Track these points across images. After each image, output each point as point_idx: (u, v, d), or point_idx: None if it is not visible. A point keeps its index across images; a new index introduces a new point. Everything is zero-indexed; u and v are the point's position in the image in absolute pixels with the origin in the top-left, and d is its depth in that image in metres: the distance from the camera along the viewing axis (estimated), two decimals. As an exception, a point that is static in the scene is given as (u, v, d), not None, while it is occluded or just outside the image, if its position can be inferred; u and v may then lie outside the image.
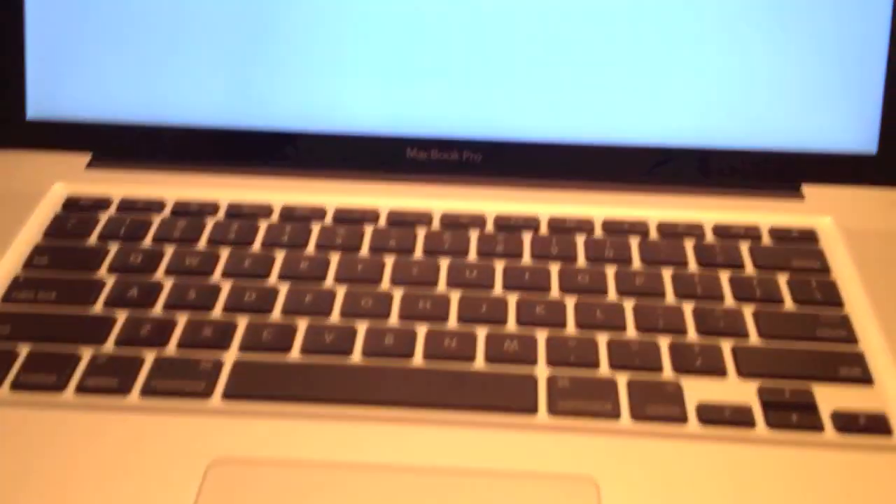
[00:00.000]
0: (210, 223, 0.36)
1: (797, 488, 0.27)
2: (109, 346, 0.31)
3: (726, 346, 0.32)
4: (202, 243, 0.36)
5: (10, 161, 0.39)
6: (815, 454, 0.28)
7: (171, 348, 0.31)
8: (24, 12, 0.39)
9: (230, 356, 0.31)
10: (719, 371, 0.31)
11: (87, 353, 0.31)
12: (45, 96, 0.40)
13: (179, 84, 0.40)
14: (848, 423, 0.29)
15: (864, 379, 0.31)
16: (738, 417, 0.29)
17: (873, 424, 0.29)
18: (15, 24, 0.40)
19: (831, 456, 0.28)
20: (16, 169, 0.39)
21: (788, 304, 0.33)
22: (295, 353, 0.31)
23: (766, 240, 0.36)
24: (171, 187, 0.38)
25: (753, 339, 0.32)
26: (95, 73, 0.40)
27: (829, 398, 0.30)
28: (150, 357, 0.31)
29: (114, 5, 0.39)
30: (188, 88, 0.40)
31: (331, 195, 0.38)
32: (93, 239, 0.36)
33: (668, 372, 0.31)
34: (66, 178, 0.38)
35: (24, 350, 0.31)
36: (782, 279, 0.34)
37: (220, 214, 0.37)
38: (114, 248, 0.35)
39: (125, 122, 0.40)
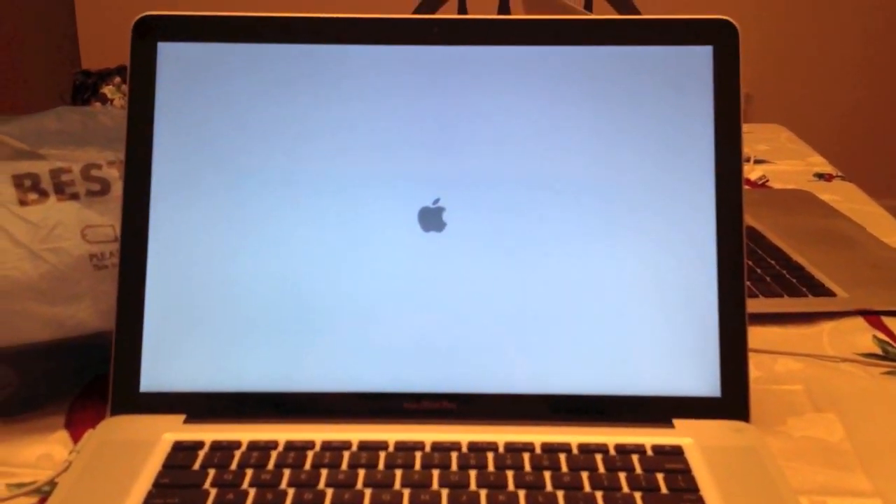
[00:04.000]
0: (274, 454, 0.53)
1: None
2: (221, 529, 0.47)
3: (624, 516, 0.49)
4: (270, 466, 0.52)
5: (129, 421, 0.57)
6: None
7: (262, 529, 0.47)
8: (144, 321, 0.59)
9: (301, 532, 0.47)
10: (620, 531, 0.48)
11: (207, 534, 0.47)
12: (152, 375, 0.58)
13: (243, 365, 0.58)
14: (700, 555, 0.46)
15: (712, 531, 0.48)
16: (631, 554, 0.46)
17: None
18: (135, 327, 0.58)
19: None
20: (134, 426, 0.56)
21: (664, 489, 0.51)
22: (343, 529, 0.47)
23: (650, 453, 0.54)
24: (244, 433, 0.55)
25: (641, 511, 0.49)
26: (185, 358, 0.58)
27: (689, 542, 0.47)
28: (248, 535, 0.47)
29: (198, 314, 0.59)
30: (249, 368, 0.58)
31: (355, 433, 0.55)
32: (196, 466, 0.52)
33: (586, 531, 0.48)
34: (171, 431, 0.56)
35: (164, 532, 0.47)
36: (660, 476, 0.52)
37: (280, 448, 0.54)
38: (212, 472, 0.52)
39: (207, 391, 0.58)
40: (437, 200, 0.60)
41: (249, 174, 0.60)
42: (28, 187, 0.61)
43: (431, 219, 0.60)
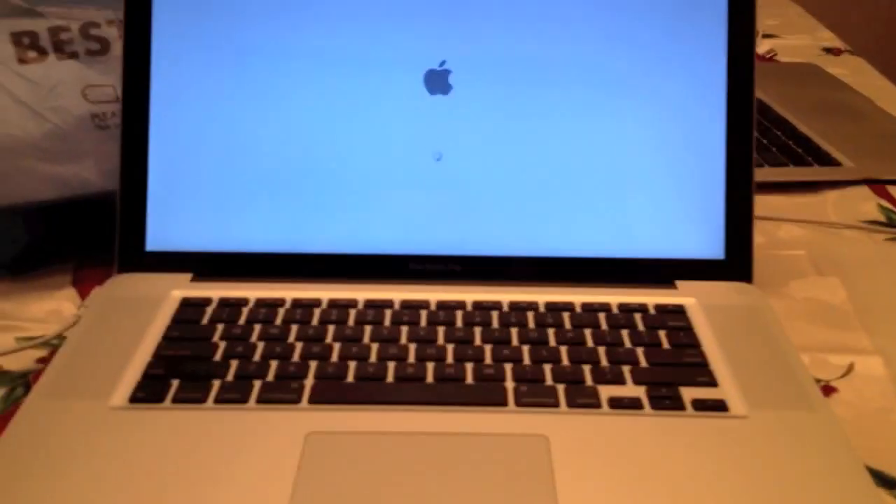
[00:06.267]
0: (281, 311, 0.54)
1: (669, 440, 0.44)
2: (230, 378, 0.48)
3: (626, 369, 0.50)
4: (278, 321, 0.53)
5: (136, 279, 0.57)
6: (679, 421, 0.46)
7: (271, 378, 0.48)
8: (148, 180, 0.58)
9: (308, 382, 0.48)
10: (621, 381, 0.49)
11: (216, 383, 0.48)
12: (158, 234, 0.58)
13: (250, 226, 0.58)
14: (700, 405, 0.47)
15: (711, 384, 0.49)
16: (632, 404, 0.47)
17: (715, 405, 0.47)
18: (139, 186, 0.58)
19: (690, 422, 0.46)
20: (142, 283, 0.57)
21: (665, 345, 0.52)
22: (350, 379, 0.48)
23: (652, 311, 0.55)
24: (252, 291, 0.56)
25: (643, 364, 0.50)
26: (191, 218, 0.58)
27: (690, 394, 0.48)
28: (257, 384, 0.48)
29: (203, 175, 0.58)
30: (256, 229, 0.58)
31: (361, 293, 0.56)
32: (205, 321, 0.53)
33: (588, 382, 0.48)
34: (179, 288, 0.56)
35: (175, 382, 0.48)
36: (662, 333, 0.53)
37: (288, 305, 0.55)
38: (221, 326, 0.53)
39: (214, 252, 0.58)
40: (443, 63, 0.59)
41: (254, 34, 0.59)
42: (27, 45, 0.60)
43: (437, 81, 0.59)
